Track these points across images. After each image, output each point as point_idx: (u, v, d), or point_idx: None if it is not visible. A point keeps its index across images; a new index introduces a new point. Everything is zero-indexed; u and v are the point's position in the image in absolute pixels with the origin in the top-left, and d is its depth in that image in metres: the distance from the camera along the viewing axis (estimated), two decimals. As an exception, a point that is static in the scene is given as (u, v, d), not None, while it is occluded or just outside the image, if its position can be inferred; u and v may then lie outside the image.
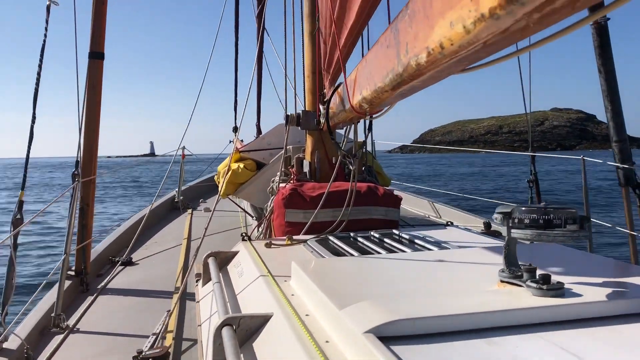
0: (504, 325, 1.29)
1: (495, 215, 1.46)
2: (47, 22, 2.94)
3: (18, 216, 2.79)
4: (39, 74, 2.92)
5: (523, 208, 1.41)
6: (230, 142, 8.64)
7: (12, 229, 2.81)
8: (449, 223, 3.42)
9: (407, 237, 2.81)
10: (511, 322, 1.30)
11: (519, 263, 1.56)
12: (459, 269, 1.86)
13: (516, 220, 1.42)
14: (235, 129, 8.73)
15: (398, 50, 1.37)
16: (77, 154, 3.77)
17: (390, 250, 2.49)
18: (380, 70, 1.58)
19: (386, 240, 2.77)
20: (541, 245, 2.26)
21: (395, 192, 3.78)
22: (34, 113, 2.90)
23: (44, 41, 2.94)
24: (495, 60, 1.17)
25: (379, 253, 2.43)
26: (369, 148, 4.32)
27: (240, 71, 8.86)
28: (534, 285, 1.43)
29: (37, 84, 2.91)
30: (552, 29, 0.90)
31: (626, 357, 1.16)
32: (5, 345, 2.68)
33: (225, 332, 1.60)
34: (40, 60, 2.93)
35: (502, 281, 1.54)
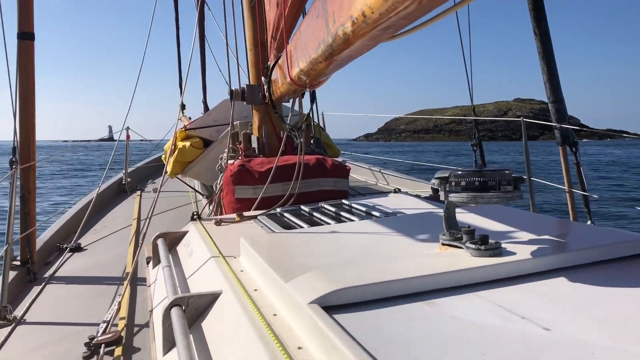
0: (443, 287, 1.33)
1: (433, 181, 1.49)
2: None
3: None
4: None
5: (459, 172, 1.45)
6: (178, 120, 8.47)
7: None
8: (397, 190, 3.47)
9: (355, 206, 2.85)
10: (450, 284, 1.34)
11: (460, 226, 1.61)
12: (403, 235, 1.90)
13: (453, 184, 1.45)
14: (183, 107, 8.55)
15: (326, 19, 1.36)
16: (14, 140, 3.62)
17: (339, 221, 2.52)
18: (313, 41, 1.57)
19: (335, 210, 2.80)
20: (483, 208, 2.33)
21: (347, 164, 3.81)
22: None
23: None
24: (422, 25, 1.18)
25: (328, 224, 2.46)
26: (315, 120, 4.31)
27: (184, 47, 8.65)
28: (473, 246, 1.47)
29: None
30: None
31: (556, 308, 1.22)
32: None
33: (174, 313, 1.59)
34: None
35: (442, 244, 1.59)
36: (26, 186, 3.76)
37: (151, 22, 5.44)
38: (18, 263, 3.71)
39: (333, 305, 1.25)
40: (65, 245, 4.34)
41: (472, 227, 1.56)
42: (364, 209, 2.73)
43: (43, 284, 3.53)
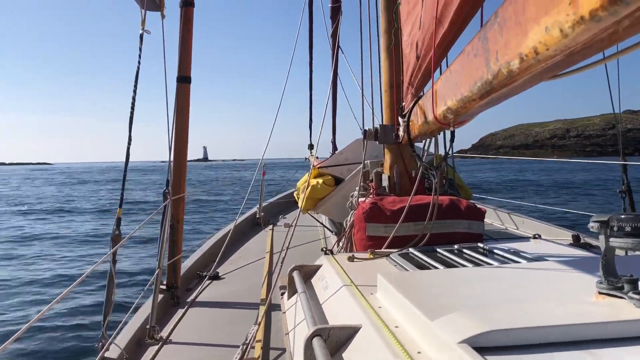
0: (605, 338, 1.24)
1: (591, 224, 1.40)
2: (140, 49, 3.14)
3: (117, 232, 2.98)
4: (133, 98, 3.12)
5: (622, 216, 1.35)
6: (305, 159, 8.82)
7: (111, 246, 2.99)
8: (536, 236, 3.30)
9: (493, 250, 2.75)
10: (613, 335, 1.25)
11: (619, 275, 1.50)
12: (551, 281, 1.80)
13: (615, 229, 1.36)
14: (311, 147, 8.89)
15: (487, 58, 1.36)
16: (168, 174, 3.98)
17: (476, 264, 2.45)
18: (468, 80, 1.58)
19: (471, 253, 2.72)
20: (638, 256, 2.14)
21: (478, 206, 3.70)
22: (129, 135, 3.10)
23: (138, 67, 3.15)
24: (587, 67, 1.15)
25: (464, 266, 2.39)
26: (449, 161, 4.26)
27: (315, 88, 9.07)
28: (637, 296, 1.36)
29: (132, 107, 3.10)
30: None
31: None
32: (106, 354, 2.85)
33: (316, 343, 1.63)
34: (135, 85, 3.13)
35: (600, 293, 1.48)
36: (176, 216, 4.10)
37: (290, 62, 5.76)
38: (164, 287, 4.03)
39: (483, 347, 1.21)
40: (205, 273, 4.64)
41: (635, 277, 1.44)
42: (503, 253, 2.62)
43: (186, 307, 3.79)
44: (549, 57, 1.05)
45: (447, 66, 1.91)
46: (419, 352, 1.39)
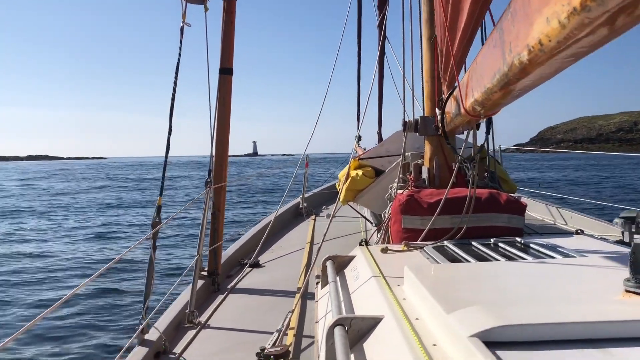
0: (623, 337, 1.20)
1: (616, 220, 1.36)
2: (181, 42, 3.23)
3: (157, 219, 3.08)
4: (174, 89, 3.20)
5: None
6: (353, 150, 8.81)
7: (151, 230, 3.10)
8: (579, 231, 3.19)
9: (530, 245, 2.68)
10: (631, 334, 1.21)
11: None
12: (581, 278, 1.75)
13: None
14: (359, 138, 8.87)
15: (503, 49, 1.34)
16: (210, 163, 4.07)
17: (510, 258, 2.40)
18: (489, 71, 1.55)
19: (507, 248, 2.66)
20: None
21: (522, 199, 3.61)
22: (170, 126, 3.19)
23: (179, 60, 3.24)
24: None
25: (497, 260, 2.35)
26: (491, 152, 4.17)
27: (362, 80, 9.01)
28: None
29: (173, 99, 3.19)
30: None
31: None
32: (146, 336, 2.97)
33: (337, 332, 1.65)
34: (176, 77, 3.22)
35: (627, 291, 1.43)
36: (217, 204, 4.20)
37: (337, 54, 5.76)
38: (205, 274, 4.14)
39: (495, 342, 1.20)
40: (245, 261, 4.74)
41: None
42: (540, 248, 2.55)
43: (225, 294, 3.89)
44: (553, 48, 1.02)
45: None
46: (434, 345, 1.39)
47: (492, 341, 1.19)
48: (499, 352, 1.14)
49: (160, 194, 3.17)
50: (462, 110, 2.12)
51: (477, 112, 1.97)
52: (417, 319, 1.62)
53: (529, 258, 2.35)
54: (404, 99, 4.44)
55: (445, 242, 2.92)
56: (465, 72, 2.52)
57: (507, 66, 1.34)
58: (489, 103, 1.72)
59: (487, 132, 3.01)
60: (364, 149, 7.00)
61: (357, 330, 1.73)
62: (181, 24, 3.24)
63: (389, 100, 9.26)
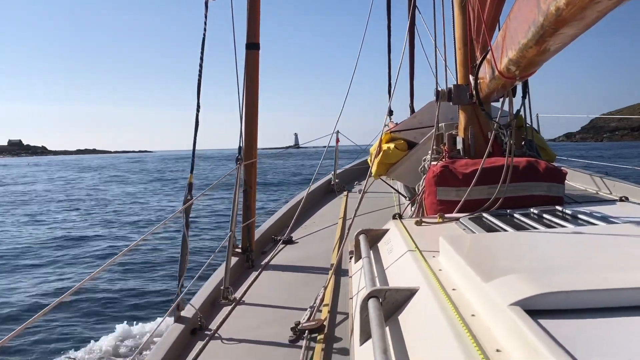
0: None
1: None
2: (205, 17, 3.18)
3: (189, 197, 3.08)
4: (200, 65, 3.17)
5: None
6: (385, 125, 8.66)
7: (183, 209, 3.10)
8: (624, 198, 3.05)
9: (571, 213, 2.57)
10: None
11: None
12: (626, 245, 1.65)
13: None
14: (391, 112, 8.72)
15: None
16: (240, 140, 4.05)
17: (550, 227, 2.30)
18: (523, 25, 1.45)
19: (547, 216, 2.56)
20: None
21: (563, 168, 3.47)
22: (198, 102, 3.16)
23: (204, 35, 3.20)
24: None
25: (536, 229, 2.26)
26: (528, 120, 4.02)
27: (393, 52, 8.79)
28: None
29: (200, 75, 3.16)
30: None
31: None
32: (182, 313, 2.99)
33: (372, 304, 1.60)
34: (202, 53, 3.18)
35: None
36: (248, 181, 4.18)
37: (365, 29, 5.64)
38: (239, 250, 4.14)
39: (537, 310, 1.13)
40: (279, 238, 4.74)
41: None
42: (582, 216, 2.44)
43: (259, 270, 3.89)
44: None
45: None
46: (472, 315, 1.33)
47: (534, 309, 1.13)
48: (541, 321, 1.08)
49: (191, 171, 3.16)
50: (497, 72, 2.02)
51: (512, 73, 1.87)
52: (453, 289, 1.56)
53: (570, 226, 2.24)
54: (435, 68, 4.31)
55: (483, 213, 2.83)
56: (488, 33, 2.41)
57: (542, 16, 1.24)
58: (525, 61, 1.61)
59: (524, 97, 2.87)
60: (396, 123, 6.89)
61: (392, 302, 1.68)
62: (205, -1, 3.19)
63: (420, 72, 9.05)
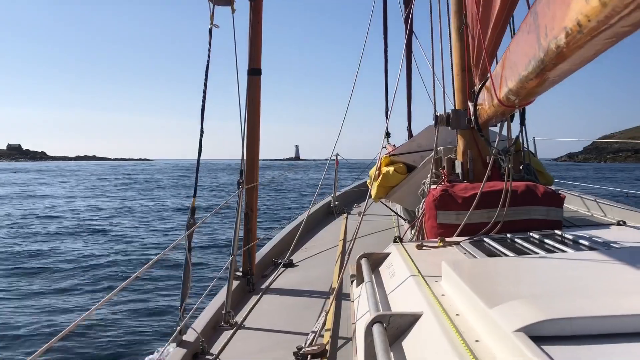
0: None
1: None
2: (209, 43, 3.24)
3: (191, 221, 3.10)
4: (204, 92, 3.23)
5: None
6: (383, 147, 8.73)
7: (186, 232, 3.13)
8: (621, 222, 3.09)
9: (570, 237, 2.61)
10: None
11: None
12: (626, 270, 1.69)
13: None
14: (388, 135, 8.79)
15: (538, 34, 1.29)
16: (241, 164, 4.09)
17: (550, 252, 2.34)
18: (523, 58, 1.51)
19: (547, 241, 2.59)
20: None
21: (560, 192, 3.52)
22: (201, 128, 3.21)
23: (208, 61, 3.26)
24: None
25: (536, 254, 2.29)
26: (525, 144, 4.08)
27: (390, 76, 8.90)
28: None
29: (204, 101, 3.21)
30: None
31: None
32: (184, 337, 2.99)
33: (376, 330, 1.62)
34: (206, 79, 3.25)
35: None
36: (249, 205, 4.21)
37: (362, 52, 5.73)
38: (240, 274, 4.15)
39: (541, 336, 1.16)
40: (279, 261, 4.75)
41: None
42: (581, 240, 2.48)
43: (260, 294, 3.90)
44: (592, 29, 0.97)
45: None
46: (476, 341, 1.35)
47: (538, 335, 1.16)
48: (545, 347, 1.11)
49: (194, 195, 3.19)
50: (496, 100, 2.07)
51: (511, 102, 1.92)
52: (457, 314, 1.59)
53: (570, 251, 2.28)
54: (434, 93, 4.38)
55: (483, 237, 2.86)
56: (497, 62, 2.47)
57: (542, 52, 1.30)
58: (524, 92, 1.67)
59: (522, 123, 2.94)
60: (394, 145, 6.94)
61: (396, 327, 1.71)
62: (210, 26, 3.26)
63: (416, 96, 9.15)
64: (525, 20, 1.47)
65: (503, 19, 1.99)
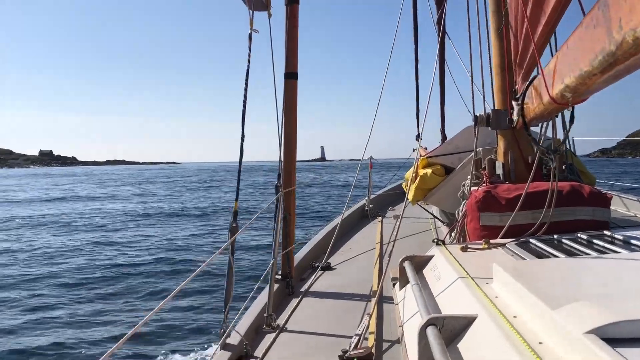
0: None
1: None
2: (249, 48, 3.27)
3: (234, 224, 3.12)
4: (245, 96, 3.25)
5: None
6: (413, 150, 8.69)
7: (229, 237, 3.15)
8: None
9: (621, 237, 2.54)
10: None
11: None
12: None
13: None
14: (418, 136, 8.72)
15: (609, 27, 1.26)
16: (279, 168, 4.10)
17: (601, 252, 2.28)
18: (587, 53, 1.47)
19: (596, 241, 2.53)
20: None
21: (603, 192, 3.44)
22: (242, 132, 3.24)
23: (248, 66, 3.28)
24: None
25: (588, 255, 2.24)
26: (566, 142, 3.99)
27: (422, 77, 8.83)
28: None
29: (244, 106, 3.24)
30: None
31: None
32: (228, 340, 3.01)
33: (430, 332, 1.60)
34: (246, 84, 3.27)
35: None
36: (287, 208, 4.22)
37: (390, 52, 5.70)
38: (279, 277, 4.16)
39: (613, 338, 1.13)
40: (317, 264, 4.75)
41: None
42: (632, 241, 2.41)
43: (300, 297, 3.90)
44: None
45: (555, 43, 1.79)
46: (540, 343, 1.32)
47: (610, 337, 1.12)
48: (619, 350, 1.07)
49: (236, 199, 3.21)
50: (547, 98, 2.03)
51: (565, 99, 1.88)
52: (515, 317, 1.56)
53: (623, 251, 2.22)
54: (472, 93, 4.32)
55: (529, 238, 2.81)
56: (539, 60, 2.42)
57: (614, 45, 1.26)
58: (583, 88, 1.63)
59: (571, 122, 2.87)
60: (425, 147, 6.89)
61: (450, 330, 1.68)
62: (249, 31, 3.29)
63: (448, 97, 9.06)
64: (590, 14, 1.44)
65: (556, 16, 1.95)
